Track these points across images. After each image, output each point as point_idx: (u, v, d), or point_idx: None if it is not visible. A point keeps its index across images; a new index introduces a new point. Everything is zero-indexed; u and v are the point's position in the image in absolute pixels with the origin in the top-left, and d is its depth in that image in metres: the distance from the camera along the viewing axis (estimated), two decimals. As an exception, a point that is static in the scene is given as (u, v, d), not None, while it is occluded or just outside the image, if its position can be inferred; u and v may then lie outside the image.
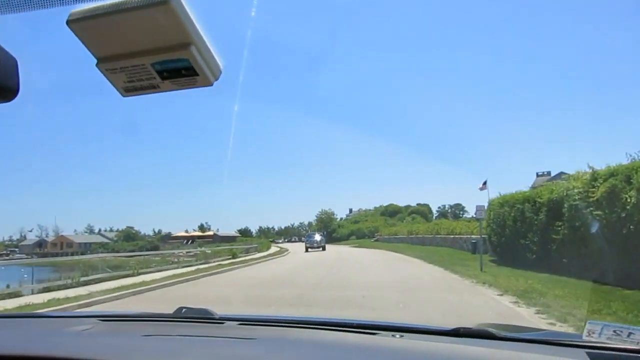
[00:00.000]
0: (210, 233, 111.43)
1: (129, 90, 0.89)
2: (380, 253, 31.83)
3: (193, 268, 18.42)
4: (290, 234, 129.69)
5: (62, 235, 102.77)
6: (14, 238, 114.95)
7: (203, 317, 2.02)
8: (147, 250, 78.73)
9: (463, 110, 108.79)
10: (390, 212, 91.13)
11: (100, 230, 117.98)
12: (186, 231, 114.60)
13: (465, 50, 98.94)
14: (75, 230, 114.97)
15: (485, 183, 50.69)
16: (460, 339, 1.55)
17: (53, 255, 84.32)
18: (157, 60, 0.81)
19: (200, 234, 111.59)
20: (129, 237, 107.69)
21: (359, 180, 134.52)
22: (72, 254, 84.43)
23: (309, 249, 40.36)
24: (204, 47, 0.80)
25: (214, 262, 23.36)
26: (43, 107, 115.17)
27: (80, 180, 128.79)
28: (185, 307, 2.15)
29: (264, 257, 30.56)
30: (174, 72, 0.83)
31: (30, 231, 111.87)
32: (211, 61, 0.83)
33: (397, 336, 1.59)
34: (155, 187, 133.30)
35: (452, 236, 28.92)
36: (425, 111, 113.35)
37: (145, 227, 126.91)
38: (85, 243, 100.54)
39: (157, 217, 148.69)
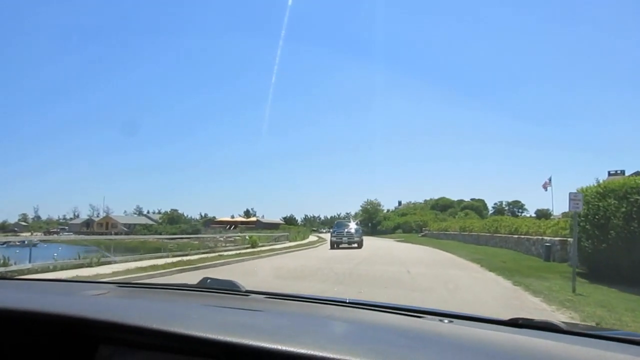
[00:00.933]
0: (254, 219, 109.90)
1: None
2: (427, 251, 26.81)
3: (174, 259, 14.33)
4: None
5: (108, 216, 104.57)
6: (68, 217, 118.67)
7: (228, 289, 1.95)
8: (188, 234, 78.64)
9: (523, 104, 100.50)
10: (441, 206, 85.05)
11: (148, 212, 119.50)
12: (232, 217, 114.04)
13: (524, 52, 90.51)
14: (125, 212, 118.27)
15: (550, 180, 42.95)
16: (519, 329, 1.33)
17: (98, 234, 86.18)
18: None
19: (243, 219, 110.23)
20: (173, 219, 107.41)
21: (410, 172, 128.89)
22: (116, 234, 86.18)
23: (337, 245, 27.68)
24: None
25: (219, 251, 19.39)
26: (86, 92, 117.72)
27: (132, 162, 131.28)
28: (210, 278, 2.08)
29: (289, 247, 26.41)
30: None
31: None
32: None
33: (446, 321, 1.41)
34: (205, 172, 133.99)
35: (515, 236, 23.49)
36: (484, 102, 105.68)
37: (193, 211, 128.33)
38: (129, 224, 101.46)
39: (206, 201, 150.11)
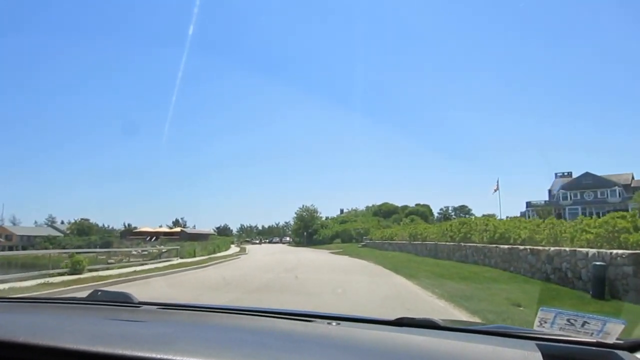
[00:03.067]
0: (178, 229, 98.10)
1: None
2: (373, 276, 17.52)
3: None
4: (273, 233, 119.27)
5: (1, 227, 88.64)
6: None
7: (120, 301, 1.87)
8: (96, 247, 66.81)
9: (469, 108, 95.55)
10: (385, 213, 77.29)
11: (62, 222, 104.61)
12: (160, 226, 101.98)
13: (474, 46, 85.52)
14: (35, 222, 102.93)
15: (497, 183, 35.75)
16: (402, 328, 1.44)
17: None
18: None
19: (167, 230, 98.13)
20: (82, 230, 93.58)
21: (352, 180, 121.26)
22: (10, 248, 72.36)
23: None
24: None
25: None
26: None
27: (51, 170, 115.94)
28: (100, 290, 2.03)
29: (138, 274, 16.21)
30: None
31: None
32: None
33: (334, 324, 1.47)
34: (132, 180, 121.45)
35: (506, 247, 14.67)
36: (428, 106, 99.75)
37: (116, 221, 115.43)
38: (28, 236, 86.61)
39: (134, 211, 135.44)
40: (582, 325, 1.14)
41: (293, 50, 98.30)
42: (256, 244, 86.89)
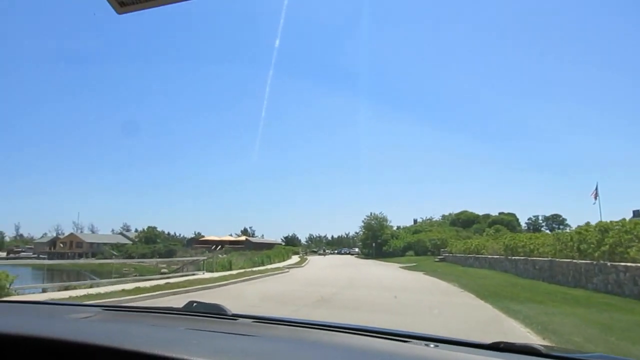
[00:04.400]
0: (243, 238, 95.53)
1: (124, 4, 0.77)
2: (445, 311, 10.82)
3: None
4: (343, 244, 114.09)
5: (72, 234, 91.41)
6: (50, 235, 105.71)
7: (215, 312, 1.90)
8: (160, 255, 65.46)
9: (558, 115, 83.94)
10: (464, 222, 68.53)
11: (136, 230, 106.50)
12: (230, 235, 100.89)
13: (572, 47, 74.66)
14: (112, 230, 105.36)
15: (596, 189, 28.12)
16: (501, 353, 1.37)
17: (58, 256, 73.18)
18: None
19: (232, 239, 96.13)
20: (149, 238, 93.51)
21: (426, 189, 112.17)
22: (80, 255, 72.84)
23: None
24: None
25: None
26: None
27: (137, 179, 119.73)
28: (196, 302, 2.05)
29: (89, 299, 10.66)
30: None
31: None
32: None
33: (432, 346, 1.42)
34: (207, 189, 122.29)
35: None
36: (510, 113, 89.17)
37: (186, 230, 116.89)
38: (97, 243, 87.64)
39: (207, 221, 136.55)
40: None
41: (359, 59, 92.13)
42: (320, 255, 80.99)
